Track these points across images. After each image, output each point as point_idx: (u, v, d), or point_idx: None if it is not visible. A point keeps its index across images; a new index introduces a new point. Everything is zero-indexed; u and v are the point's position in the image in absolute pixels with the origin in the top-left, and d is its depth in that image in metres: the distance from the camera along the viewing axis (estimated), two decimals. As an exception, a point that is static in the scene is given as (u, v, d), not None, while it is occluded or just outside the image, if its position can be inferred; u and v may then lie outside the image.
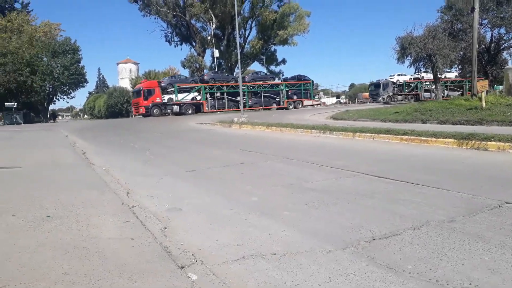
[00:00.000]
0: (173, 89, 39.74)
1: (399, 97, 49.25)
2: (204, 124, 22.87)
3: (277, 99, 46.04)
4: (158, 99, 39.03)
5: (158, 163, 9.26)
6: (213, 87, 41.59)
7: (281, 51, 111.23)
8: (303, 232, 3.96)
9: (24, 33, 51.36)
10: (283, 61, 61.07)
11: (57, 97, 57.96)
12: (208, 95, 41.11)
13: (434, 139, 9.88)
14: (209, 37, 51.20)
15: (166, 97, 39.39)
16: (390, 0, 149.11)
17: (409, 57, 34.59)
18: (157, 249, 3.57)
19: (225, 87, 42.27)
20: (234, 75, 53.68)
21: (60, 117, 59.29)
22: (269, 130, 17.00)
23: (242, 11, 53.37)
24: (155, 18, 53.46)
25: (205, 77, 42.74)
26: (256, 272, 3.11)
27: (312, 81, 50.13)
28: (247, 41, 57.34)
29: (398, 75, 52.07)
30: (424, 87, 51.92)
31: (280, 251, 3.50)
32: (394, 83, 50.64)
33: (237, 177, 6.97)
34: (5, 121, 49.72)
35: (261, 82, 45.52)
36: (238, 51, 27.29)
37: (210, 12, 48.34)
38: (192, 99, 40.61)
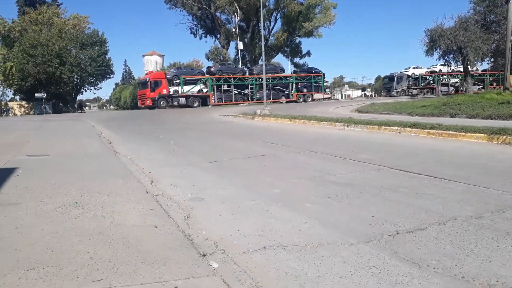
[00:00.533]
0: (179, 81, 38.13)
1: (414, 91, 47.20)
2: (227, 116, 22.95)
3: (286, 92, 44.41)
4: (164, 91, 37.67)
5: (182, 153, 9.36)
6: (220, 79, 39.75)
7: (305, 43, 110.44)
8: (325, 225, 3.92)
9: (54, 26, 52.68)
10: (308, 53, 60.46)
11: (85, 88, 59.23)
12: (215, 88, 39.28)
13: (463, 133, 9.59)
14: (233, 30, 51.17)
15: (171, 89, 37.94)
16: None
17: (438, 50, 33.61)
18: (180, 237, 3.62)
19: (232, 79, 40.52)
20: (257, 67, 53.46)
21: (87, 108, 60.66)
22: (292, 122, 16.90)
23: (267, 3, 53.04)
24: (180, 10, 53.95)
25: (212, 69, 41.18)
26: (277, 263, 3.10)
27: (323, 74, 48.35)
28: (272, 33, 57.04)
29: (414, 68, 50.25)
30: (442, 81, 49.71)
31: (301, 243, 3.48)
32: (409, 76, 48.74)
33: (259, 169, 6.97)
34: (35, 111, 51.39)
35: (270, 75, 43.07)
36: (263, 43, 27.24)
37: (235, 4, 48.24)
38: (199, 91, 38.84)
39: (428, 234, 3.60)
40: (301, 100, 43.55)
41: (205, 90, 39.21)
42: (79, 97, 63.41)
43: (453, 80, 50.29)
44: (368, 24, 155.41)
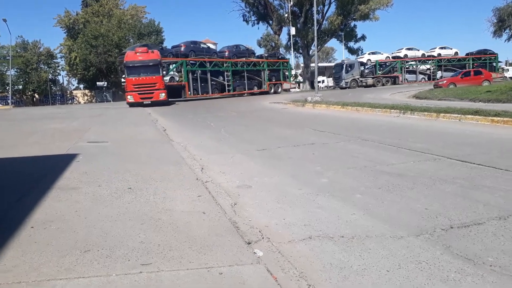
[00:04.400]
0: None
1: (370, 80, 41.85)
2: (277, 103, 22.88)
3: (258, 81, 38.07)
4: None
5: (232, 141, 9.49)
6: (195, 63, 31.33)
7: (361, 27, 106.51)
8: (374, 216, 3.81)
9: (113, 17, 55.07)
10: (363, 38, 57.98)
11: (142, 77, 61.74)
12: (190, 75, 30.76)
13: (532, 121, 8.85)
14: (286, 15, 50.50)
15: None
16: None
17: (507, 30, 31.16)
18: (226, 224, 3.68)
19: (208, 63, 32.20)
20: (310, 53, 52.31)
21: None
22: (344, 109, 16.50)
23: (321, -14, 51.67)
24: (233, -3, 54.09)
25: (182, 48, 31.10)
26: (322, 253, 3.07)
27: (288, 61, 43.31)
28: (325, 17, 55.37)
29: (370, 53, 45.15)
30: (408, 68, 44.82)
31: (348, 234, 3.40)
32: (363, 63, 43.23)
33: (307, 158, 6.89)
34: (97, 99, 54.44)
35: (244, 59, 36.48)
36: (315, 28, 26.65)
37: (288, -12, 47.56)
38: (171, 79, 30.48)
39: (486, 229, 3.39)
40: (272, 90, 38.30)
41: (176, 78, 31.47)
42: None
43: (423, 67, 45.50)
44: (427, 5, 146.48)
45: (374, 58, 43.77)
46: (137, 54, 25.57)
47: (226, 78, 33.73)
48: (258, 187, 5.04)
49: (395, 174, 5.35)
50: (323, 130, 10.38)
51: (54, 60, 63.23)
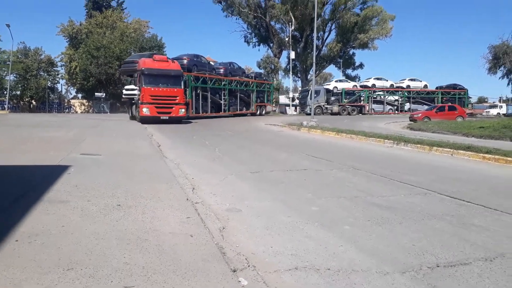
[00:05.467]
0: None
1: (335, 108, 40.75)
2: (273, 126, 23.00)
3: (247, 101, 36.72)
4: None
5: (225, 161, 9.49)
6: (199, 79, 28.47)
7: (359, 55, 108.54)
8: (362, 250, 3.80)
9: (117, 29, 55.62)
10: (361, 65, 59.16)
11: (141, 90, 61.84)
12: (193, 92, 27.94)
13: (523, 160, 8.96)
14: (286, 39, 51.35)
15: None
16: (484, 4, 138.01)
17: (502, 68, 31.85)
18: (213, 249, 3.66)
19: (209, 80, 29.75)
20: (309, 77, 52.94)
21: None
22: (338, 136, 16.62)
23: (322, 14, 52.69)
24: (236, 18, 54.94)
25: (185, 61, 27.28)
26: (307, 286, 3.05)
27: (272, 84, 42.68)
28: (325, 44, 56.49)
29: (337, 81, 44.50)
30: (375, 98, 43.82)
31: (334, 267, 3.40)
32: (329, 91, 41.90)
33: (299, 184, 6.90)
34: (94, 109, 54.44)
35: (237, 78, 34.44)
36: (314, 53, 27.02)
37: (290, 13, 48.42)
38: None
39: (471, 270, 3.39)
40: (258, 112, 37.41)
41: None
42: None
43: (391, 98, 44.96)
44: (426, 37, 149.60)
45: (340, 86, 42.89)
46: (156, 61, 22.60)
47: (223, 97, 31.88)
48: (248, 212, 5.03)
49: (385, 207, 5.37)
50: (317, 156, 10.43)
51: (54, 68, 63.39)
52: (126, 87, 28.25)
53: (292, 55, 48.65)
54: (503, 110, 54.22)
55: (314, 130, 19.18)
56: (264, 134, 18.25)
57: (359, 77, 56.13)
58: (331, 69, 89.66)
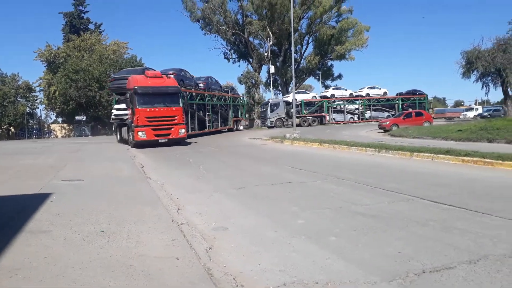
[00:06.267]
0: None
1: (296, 120, 39.82)
2: (257, 139, 23.09)
3: (225, 117, 35.84)
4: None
5: (210, 178, 9.46)
6: (187, 95, 26.65)
7: (337, 66, 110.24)
8: (349, 261, 3.83)
9: (95, 52, 55.41)
10: (339, 76, 60.22)
11: (122, 111, 61.25)
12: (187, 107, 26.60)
13: (500, 161, 9.18)
14: (265, 54, 51.93)
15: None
16: (456, 12, 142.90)
17: (475, 72, 32.82)
18: (200, 271, 3.63)
19: (195, 96, 28.57)
20: (289, 90, 53.48)
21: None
22: (321, 147, 16.77)
23: (299, 28, 53.60)
24: (215, 36, 55.33)
25: (171, 76, 24.04)
26: (296, 302, 3.05)
27: (243, 96, 42.75)
28: (304, 57, 57.41)
29: (296, 93, 40.85)
30: (335, 107, 43.71)
31: (322, 280, 3.40)
32: (288, 103, 40.01)
33: (284, 197, 6.92)
34: (75, 133, 53.73)
35: (217, 93, 33.68)
36: (293, 67, 27.37)
37: (268, 29, 49.10)
38: None
39: (456, 273, 3.45)
40: (235, 127, 37.08)
41: None
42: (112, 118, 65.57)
43: (351, 107, 44.86)
44: (402, 46, 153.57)
45: (300, 97, 42.11)
46: (149, 78, 20.55)
47: (207, 113, 30.43)
48: (234, 229, 5.01)
49: (370, 215, 5.42)
50: (301, 168, 10.49)
51: (33, 94, 62.58)
52: (116, 106, 25.51)
53: (272, 69, 49.16)
54: (479, 111, 55.67)
55: (297, 142, 19.31)
56: (248, 148, 18.28)
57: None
58: (311, 81, 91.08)
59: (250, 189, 7.83)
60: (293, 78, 27.75)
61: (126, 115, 22.21)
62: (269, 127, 39.40)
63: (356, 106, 44.94)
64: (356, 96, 45.39)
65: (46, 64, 58.57)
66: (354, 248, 4.18)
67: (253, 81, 54.03)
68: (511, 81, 31.46)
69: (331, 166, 10.86)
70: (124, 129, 22.52)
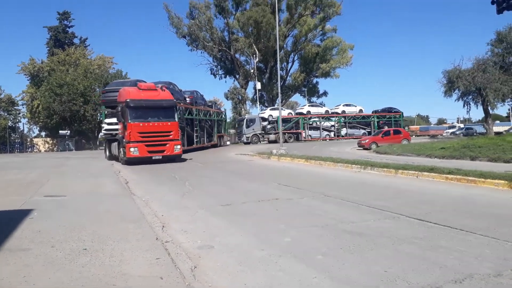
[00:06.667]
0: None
1: (272, 136, 39.72)
2: (243, 155, 23.06)
3: (210, 132, 34.88)
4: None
5: (196, 195, 9.36)
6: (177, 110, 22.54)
7: (323, 83, 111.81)
8: (335, 280, 3.80)
9: (80, 66, 55.09)
10: (325, 93, 61.04)
11: (107, 126, 60.50)
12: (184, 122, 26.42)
13: (483, 179, 9.33)
14: (252, 70, 52.42)
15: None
16: (437, 33, 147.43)
17: (457, 91, 33.60)
18: (185, 291, 3.55)
19: (185, 111, 27.34)
20: (275, 106, 53.85)
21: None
22: (308, 163, 16.82)
23: (285, 45, 54.48)
24: (201, 52, 55.72)
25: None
26: (283, 323, 2.99)
27: (225, 111, 42.42)
28: (289, 74, 58.20)
29: (272, 109, 43.48)
30: (311, 124, 43.36)
31: (309, 300, 3.36)
32: (264, 119, 40.99)
33: (271, 214, 6.88)
34: (58, 147, 52.91)
35: (203, 107, 33.04)
36: (279, 83, 27.60)
37: (254, 46, 49.71)
38: None
39: (442, 293, 3.44)
40: (219, 144, 36.73)
41: None
42: (100, 134, 64.84)
43: (327, 124, 44.69)
44: (386, 64, 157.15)
45: (275, 114, 40.20)
46: (142, 91, 19.37)
47: (194, 129, 29.32)
48: (220, 248, 4.94)
49: (356, 233, 5.42)
50: (288, 184, 10.49)
51: (15, 107, 61.64)
52: (107, 120, 23.96)
53: (258, 85, 49.55)
54: (452, 130, 57.13)
55: (284, 158, 19.34)
56: (234, 164, 18.21)
57: (324, 104, 57.44)
58: (297, 97, 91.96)
59: (237, 206, 7.77)
60: (279, 95, 27.98)
61: (117, 130, 21.03)
62: (245, 143, 39.27)
63: (332, 123, 44.93)
64: (332, 113, 45.52)
65: (29, 77, 57.97)
66: (341, 267, 4.15)
67: (240, 97, 54.38)
68: (491, 100, 32.29)
69: (318, 183, 10.88)
70: (114, 144, 21.25)
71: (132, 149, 17.91)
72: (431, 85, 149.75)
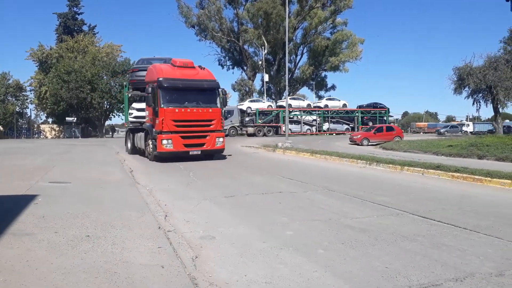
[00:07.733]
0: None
1: (250, 129, 38.35)
2: (249, 147, 23.04)
3: None
4: None
5: (199, 185, 9.38)
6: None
7: (331, 77, 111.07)
8: (336, 275, 3.79)
9: (88, 53, 55.14)
10: (333, 87, 60.67)
11: (113, 114, 60.66)
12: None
13: (489, 178, 9.25)
14: (260, 62, 52.14)
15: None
16: (449, 29, 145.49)
17: (467, 88, 33.21)
18: (185, 280, 3.56)
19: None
20: (283, 99, 53.69)
21: (115, 133, 62.16)
22: (313, 157, 16.77)
23: (294, 38, 54.10)
24: (210, 42, 55.58)
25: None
26: (281, 315, 2.99)
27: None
28: (298, 67, 57.90)
29: (251, 101, 42.52)
30: (291, 118, 40.47)
31: (309, 294, 3.36)
32: (243, 111, 39.57)
33: (274, 207, 6.88)
34: (65, 134, 53.28)
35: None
36: (287, 76, 27.49)
37: (263, 38, 49.41)
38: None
39: (443, 291, 3.42)
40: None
41: (143, 113, 18.78)
42: (107, 122, 65.17)
43: (308, 118, 42.94)
44: (396, 60, 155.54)
45: (254, 106, 40.15)
46: (177, 68, 15.45)
47: None
48: (222, 239, 4.94)
49: (359, 229, 5.40)
50: (292, 178, 10.47)
51: (23, 93, 62.01)
52: (135, 105, 19.33)
53: (266, 78, 49.31)
54: (470, 128, 56.38)
55: (289, 152, 19.31)
56: (239, 156, 18.19)
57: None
58: (304, 90, 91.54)
59: (240, 197, 7.78)
60: (287, 87, 27.87)
61: (144, 118, 16.85)
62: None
63: (314, 117, 43.40)
64: (315, 107, 44.25)
65: (38, 64, 58.13)
66: (342, 262, 4.14)
67: (247, 89, 54.23)
68: (501, 98, 31.87)
69: (322, 177, 10.85)
70: (139, 135, 17.02)
71: (164, 142, 14.40)
72: (441, 82, 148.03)
